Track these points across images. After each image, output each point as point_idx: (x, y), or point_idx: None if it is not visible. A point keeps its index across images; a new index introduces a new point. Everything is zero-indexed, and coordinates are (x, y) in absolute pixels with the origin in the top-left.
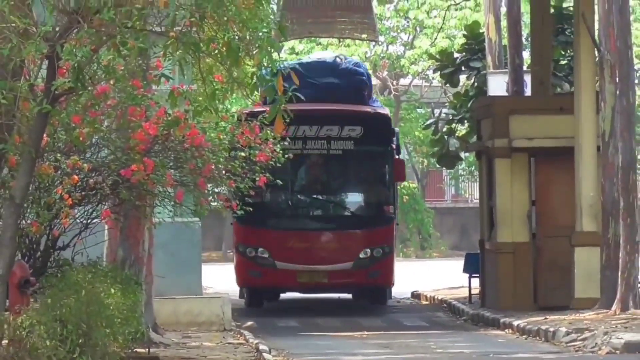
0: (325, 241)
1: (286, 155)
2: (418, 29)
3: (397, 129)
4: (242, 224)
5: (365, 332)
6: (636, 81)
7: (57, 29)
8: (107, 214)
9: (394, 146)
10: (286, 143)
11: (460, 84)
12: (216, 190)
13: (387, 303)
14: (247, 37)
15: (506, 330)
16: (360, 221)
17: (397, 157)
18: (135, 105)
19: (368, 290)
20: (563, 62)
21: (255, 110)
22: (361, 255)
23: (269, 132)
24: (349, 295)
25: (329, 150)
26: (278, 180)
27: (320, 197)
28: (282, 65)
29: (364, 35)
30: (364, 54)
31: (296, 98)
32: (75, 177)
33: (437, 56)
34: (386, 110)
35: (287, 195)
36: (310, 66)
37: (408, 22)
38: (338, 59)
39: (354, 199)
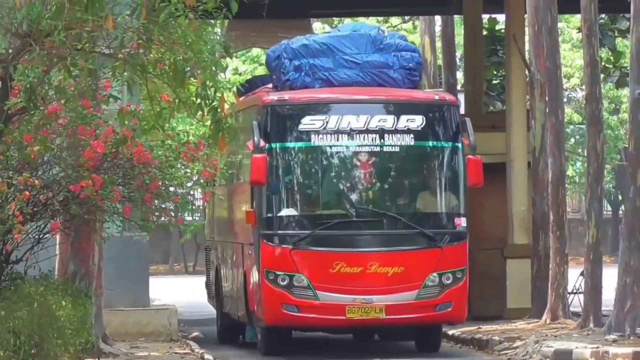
0: (381, 265)
1: (229, 172)
2: None
3: (467, 119)
4: (270, 242)
5: None
6: (565, 99)
7: (10, 51)
8: (56, 226)
9: (465, 141)
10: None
11: None
12: (162, 205)
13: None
14: (193, 58)
15: (441, 339)
16: (424, 238)
17: (470, 155)
18: (85, 124)
19: (424, 329)
20: (495, 82)
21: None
22: (427, 283)
23: (212, 149)
24: None
25: (382, 147)
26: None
27: (373, 208)
28: (312, 41)
29: None
30: None
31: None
32: (27, 193)
33: None
34: (451, 96)
35: (331, 206)
36: (347, 40)
37: None
38: (380, 32)
39: (416, 210)
